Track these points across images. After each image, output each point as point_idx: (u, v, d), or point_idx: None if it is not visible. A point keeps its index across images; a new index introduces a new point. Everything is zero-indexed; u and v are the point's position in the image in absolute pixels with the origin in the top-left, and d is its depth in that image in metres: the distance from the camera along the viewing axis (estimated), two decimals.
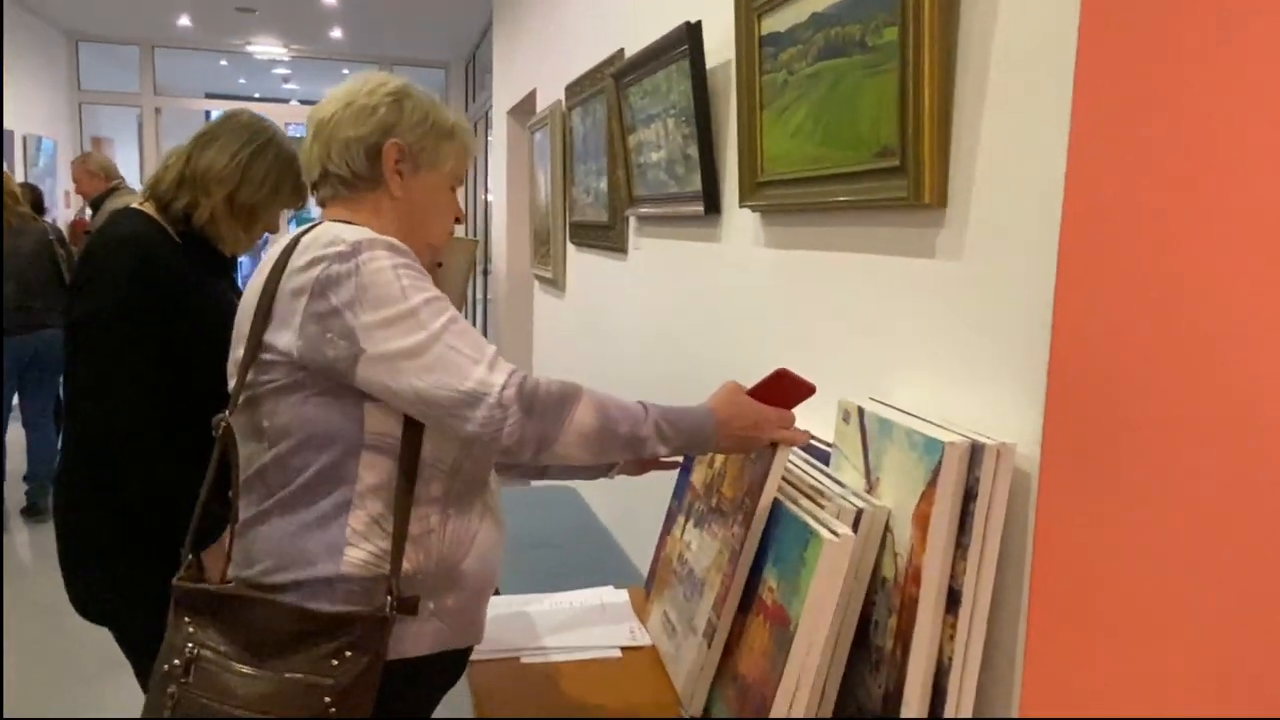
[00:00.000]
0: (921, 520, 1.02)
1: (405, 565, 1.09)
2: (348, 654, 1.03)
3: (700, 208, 1.93)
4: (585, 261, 3.15)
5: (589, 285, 3.11)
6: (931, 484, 1.01)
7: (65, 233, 4.65)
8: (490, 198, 6.98)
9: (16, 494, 4.34)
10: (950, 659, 1.02)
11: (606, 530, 2.67)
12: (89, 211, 4.82)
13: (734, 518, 1.23)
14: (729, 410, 1.17)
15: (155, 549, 1.40)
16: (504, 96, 5.14)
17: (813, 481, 1.18)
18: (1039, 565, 1.00)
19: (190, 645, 1.08)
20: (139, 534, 1.47)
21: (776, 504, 1.17)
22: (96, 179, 4.53)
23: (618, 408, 1.09)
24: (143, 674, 1.54)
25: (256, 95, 11.52)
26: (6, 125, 6.47)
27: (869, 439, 1.17)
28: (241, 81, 10.79)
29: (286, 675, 1.04)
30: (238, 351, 1.15)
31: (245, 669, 1.05)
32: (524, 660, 1.29)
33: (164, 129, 8.63)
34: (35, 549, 4.06)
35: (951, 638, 1.02)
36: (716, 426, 1.15)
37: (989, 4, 1.07)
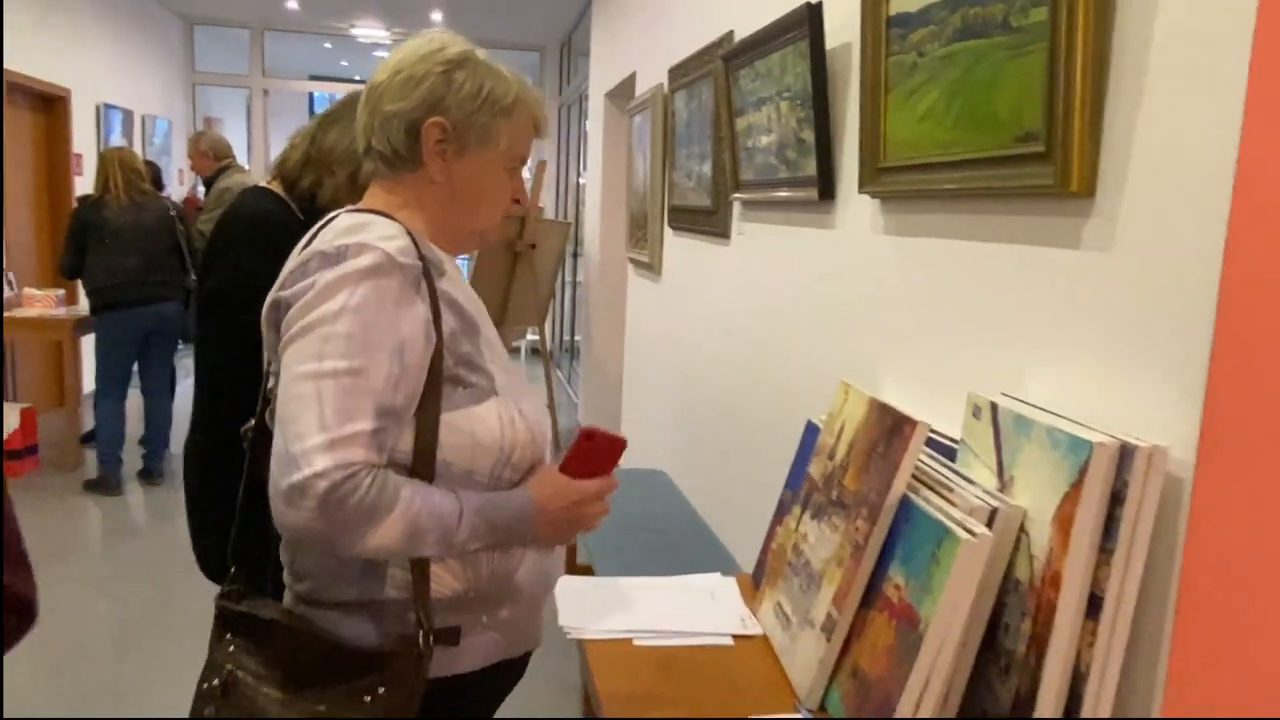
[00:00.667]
0: (1064, 523, 0.98)
1: (455, 584, 1.07)
2: (381, 690, 1.01)
3: (814, 193, 1.89)
4: (684, 246, 3.14)
5: (687, 270, 3.09)
6: (1076, 485, 0.97)
7: None
8: (583, 180, 7.02)
9: (134, 458, 4.57)
10: (1089, 666, 0.98)
11: (698, 515, 2.67)
12: (201, 189, 5.01)
13: (857, 511, 1.20)
14: (547, 493, 1.10)
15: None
16: (601, 79, 5.15)
17: (940, 477, 1.15)
18: (1188, 573, 0.96)
19: (229, 666, 1.08)
20: (262, 501, 1.52)
21: (905, 500, 1.14)
22: (208, 158, 4.70)
23: (430, 516, 1.00)
24: None
25: (357, 77, 11.81)
26: (126, 105, 6.79)
27: (1002, 436, 1.13)
28: (344, 64, 11.06)
29: (319, 708, 1.01)
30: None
31: (280, 695, 1.03)
32: (637, 643, 1.29)
33: (270, 109, 8.93)
34: (149, 511, 4.27)
35: (1091, 644, 0.98)
36: (536, 513, 1.08)
37: None
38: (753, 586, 1.53)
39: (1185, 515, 0.95)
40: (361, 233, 1.05)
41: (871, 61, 1.58)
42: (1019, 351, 1.24)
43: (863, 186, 1.64)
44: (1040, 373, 1.20)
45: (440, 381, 1.05)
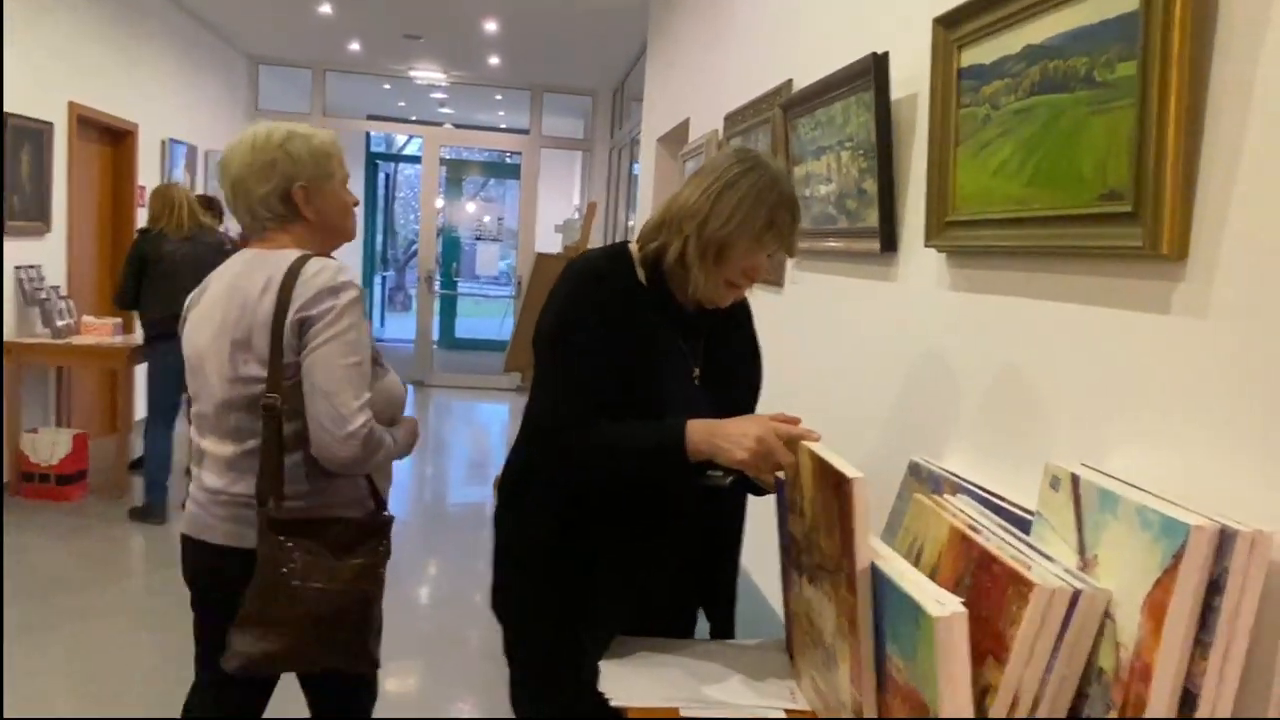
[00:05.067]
0: (1155, 610, 0.91)
1: (385, 485, 1.76)
2: (384, 543, 1.67)
3: (875, 244, 1.85)
4: None
5: None
6: (1171, 571, 0.89)
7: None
8: (632, 223, 7.04)
9: (181, 488, 4.60)
10: None
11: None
12: None
13: (838, 577, 1.12)
14: (410, 425, 1.81)
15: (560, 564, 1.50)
16: (654, 124, 5.17)
17: (1015, 553, 1.08)
18: None
19: (297, 554, 1.57)
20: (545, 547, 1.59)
21: (876, 569, 1.05)
22: None
23: (391, 444, 1.66)
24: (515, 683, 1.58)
25: (414, 118, 12.07)
26: (190, 140, 6.98)
27: (1084, 511, 1.06)
28: (401, 104, 11.31)
29: (357, 561, 1.61)
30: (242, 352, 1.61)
31: (337, 563, 1.59)
32: (684, 713, 1.23)
33: None
34: None
35: None
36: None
37: (1249, 34, 0.96)
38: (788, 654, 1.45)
39: None
40: (344, 274, 1.61)
41: (941, 113, 1.54)
42: (1099, 421, 1.17)
43: (929, 240, 1.59)
44: (1122, 445, 1.13)
45: (374, 364, 1.67)
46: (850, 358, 2.01)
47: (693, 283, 1.40)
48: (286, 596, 1.55)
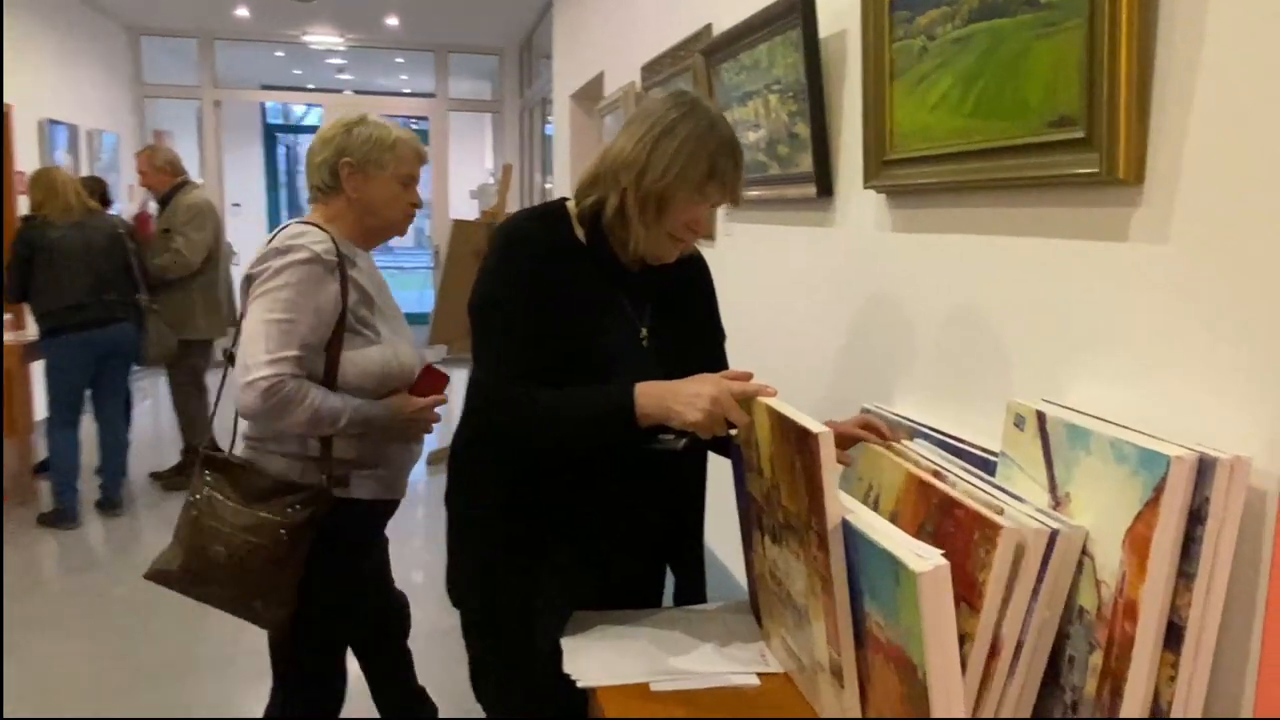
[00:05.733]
0: (1138, 545, 0.88)
1: (349, 451, 1.73)
2: (298, 505, 1.66)
3: (811, 190, 1.80)
4: None
5: None
6: (1152, 504, 0.87)
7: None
8: (549, 185, 6.89)
9: (91, 488, 4.37)
10: (1170, 702, 0.89)
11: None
12: (153, 206, 4.81)
13: (807, 535, 1.08)
14: (398, 403, 1.76)
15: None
16: (566, 80, 5.03)
17: (986, 496, 1.05)
18: (1275, 598, 0.87)
19: (206, 490, 1.70)
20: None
21: (848, 524, 1.01)
22: (164, 174, 4.51)
23: (327, 410, 1.64)
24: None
25: (310, 86, 11.57)
26: (71, 120, 6.54)
27: (1053, 448, 1.04)
28: (297, 73, 10.80)
29: (261, 514, 1.66)
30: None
31: (237, 506, 1.67)
32: (655, 688, 1.18)
33: (223, 121, 8.68)
34: (110, 543, 4.08)
35: (1172, 678, 0.88)
36: (392, 414, 1.75)
37: None
38: (755, 616, 1.41)
39: (1271, 532, 0.86)
40: (300, 238, 1.68)
41: (874, 48, 1.48)
42: (1057, 356, 1.15)
43: (868, 181, 1.54)
44: (1083, 379, 1.11)
45: (344, 331, 1.70)
46: (792, 308, 1.97)
47: (633, 238, 1.32)
48: (188, 524, 1.70)
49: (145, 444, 5.44)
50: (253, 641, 2.62)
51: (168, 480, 4.72)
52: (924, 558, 0.88)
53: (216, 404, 1.91)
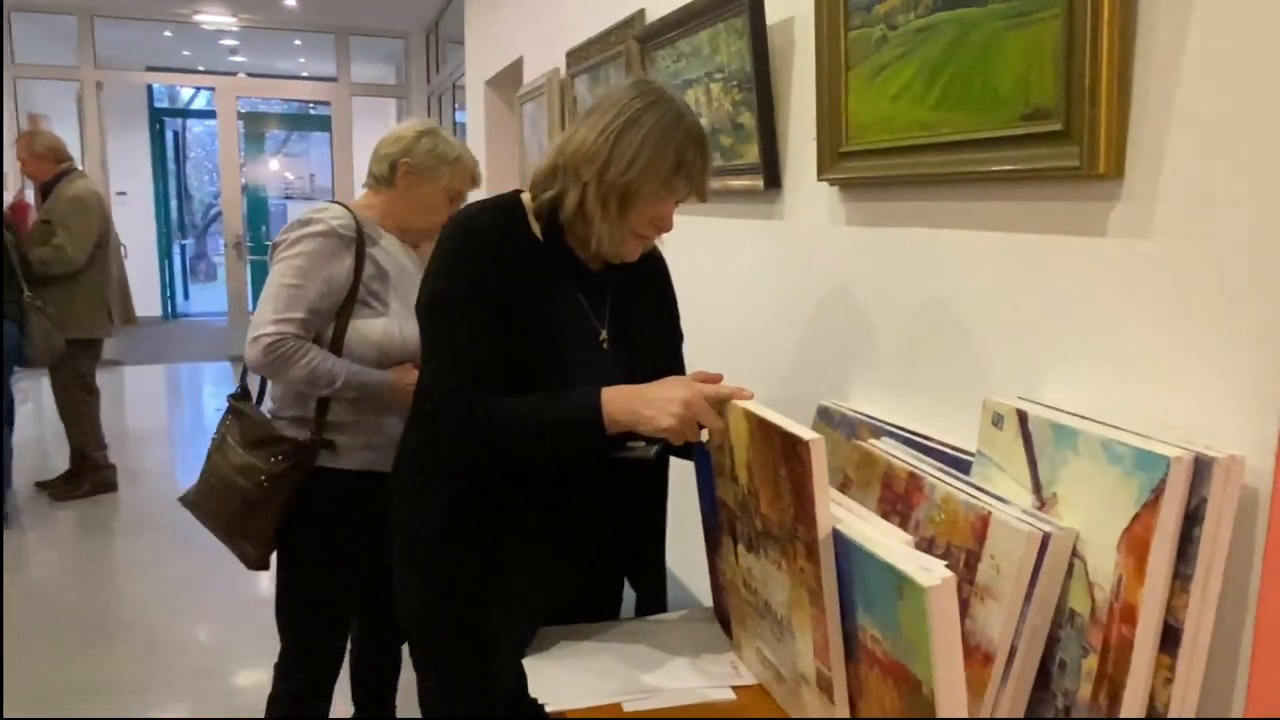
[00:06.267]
0: (1135, 547, 0.87)
1: (344, 415, 1.83)
2: (280, 456, 1.80)
3: (758, 182, 1.76)
4: None
5: None
6: (1151, 505, 0.85)
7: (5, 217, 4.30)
8: None
9: (29, 490, 4.04)
10: (1166, 705, 0.88)
11: None
12: (31, 194, 4.46)
13: (791, 545, 1.04)
14: (396, 375, 1.82)
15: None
16: (480, 66, 4.88)
17: (968, 498, 1.02)
18: (1266, 598, 0.86)
19: (224, 428, 1.91)
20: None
21: (839, 535, 0.97)
22: (45, 161, 4.19)
23: (324, 372, 1.76)
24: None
25: (201, 68, 11.00)
26: None
27: (1037, 448, 1.02)
28: (186, 54, 10.24)
29: (250, 459, 1.81)
30: None
31: (242, 450, 1.84)
32: (628, 708, 1.12)
33: (105, 104, 8.16)
34: None
35: (1169, 681, 0.87)
36: (390, 385, 1.80)
37: None
38: (721, 623, 1.37)
39: (1263, 531, 0.86)
40: (321, 213, 1.84)
41: (829, 36, 1.45)
42: (1029, 353, 1.13)
43: (822, 173, 1.51)
44: (1057, 376, 1.09)
45: (354, 302, 1.82)
46: (740, 304, 1.93)
47: (595, 236, 1.25)
48: (208, 455, 1.93)
49: (30, 451, 5.08)
50: (132, 667, 2.45)
51: (56, 490, 4.41)
52: (929, 570, 0.84)
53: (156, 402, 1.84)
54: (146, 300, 10.41)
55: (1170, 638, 0.87)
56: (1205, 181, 0.90)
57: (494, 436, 1.22)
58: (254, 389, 2.00)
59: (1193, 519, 0.86)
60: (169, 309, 11.47)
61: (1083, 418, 0.99)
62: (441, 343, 1.25)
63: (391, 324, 1.84)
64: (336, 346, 1.81)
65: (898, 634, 0.89)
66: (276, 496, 1.80)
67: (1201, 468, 0.85)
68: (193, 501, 1.93)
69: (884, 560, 0.88)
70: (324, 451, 1.84)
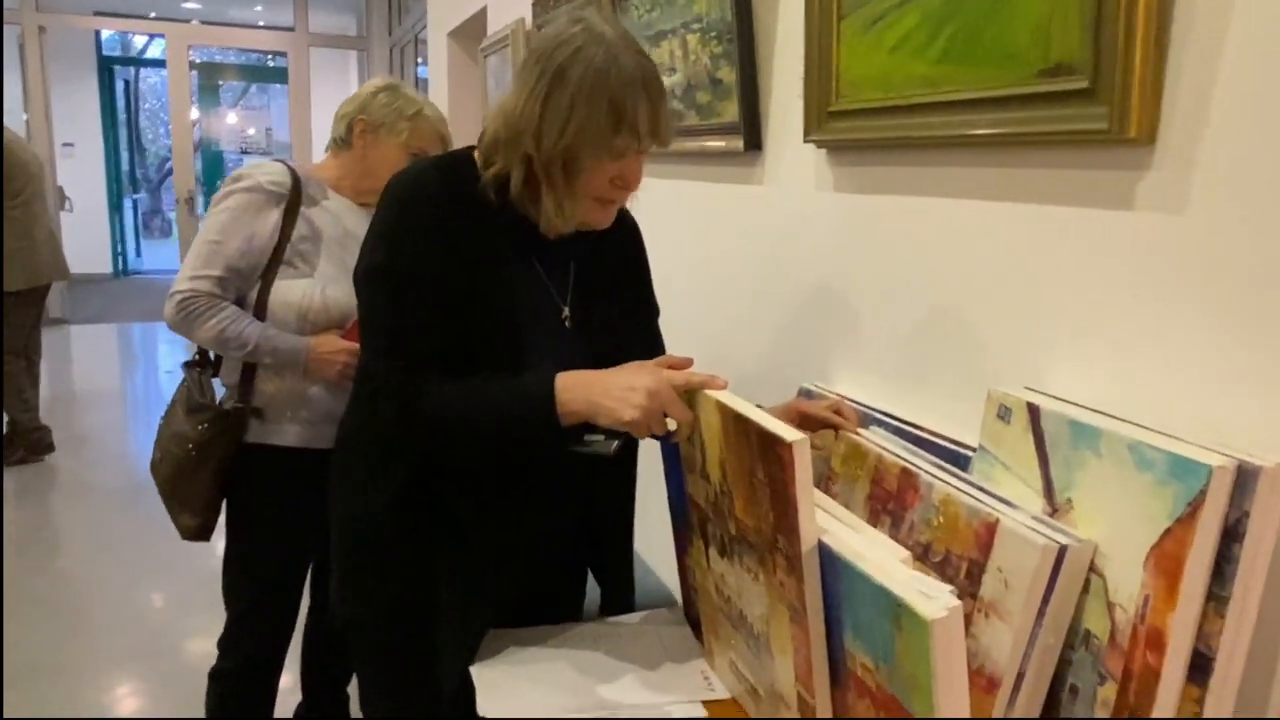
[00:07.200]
0: (1167, 565, 0.77)
1: (269, 388, 1.76)
2: (206, 424, 1.74)
3: (738, 143, 1.62)
4: None
5: None
6: (1187, 520, 0.75)
7: None
8: None
9: None
10: None
11: None
12: None
13: (771, 556, 0.92)
14: (317, 340, 1.72)
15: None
16: (442, 16, 4.66)
17: (971, 500, 0.91)
18: None
19: (176, 395, 1.84)
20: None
21: (826, 548, 0.85)
22: None
23: (235, 335, 1.68)
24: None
25: (153, 15, 10.52)
26: None
27: (1049, 447, 0.91)
28: None
29: (183, 426, 1.76)
30: None
31: (183, 415, 1.78)
32: None
33: (48, 51, 7.76)
34: None
35: (1196, 715, 0.78)
36: (307, 351, 1.71)
37: None
38: (690, 625, 1.26)
39: None
40: (254, 169, 1.76)
41: None
42: (1038, 336, 1.02)
43: (809, 134, 1.38)
44: (1069, 364, 0.98)
45: (279, 263, 1.72)
46: (716, 277, 1.80)
47: (553, 209, 1.11)
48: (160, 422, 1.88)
49: None
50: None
51: None
52: (932, 597, 0.73)
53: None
54: (94, 256, 10.06)
55: (1199, 667, 0.78)
56: (1250, 149, 0.79)
57: (434, 428, 1.08)
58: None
59: (1231, 535, 0.76)
60: (119, 265, 11.08)
61: (1105, 415, 0.88)
62: (380, 320, 1.11)
63: (313, 286, 1.74)
64: (261, 309, 1.74)
65: (893, 667, 0.78)
66: (205, 465, 1.75)
67: (1244, 478, 0.75)
68: (150, 467, 1.91)
69: (879, 583, 0.77)
70: (255, 423, 1.77)
